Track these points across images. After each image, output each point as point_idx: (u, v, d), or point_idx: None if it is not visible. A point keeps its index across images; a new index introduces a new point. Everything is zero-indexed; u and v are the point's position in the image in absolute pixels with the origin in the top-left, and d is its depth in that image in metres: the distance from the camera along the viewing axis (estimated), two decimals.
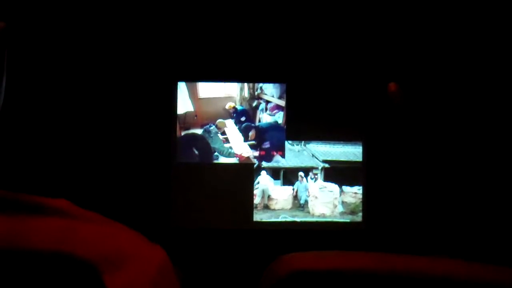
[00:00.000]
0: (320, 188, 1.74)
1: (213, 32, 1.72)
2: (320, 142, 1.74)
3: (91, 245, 0.58)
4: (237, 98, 1.73)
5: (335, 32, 1.73)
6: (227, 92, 1.73)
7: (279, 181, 1.74)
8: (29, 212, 0.60)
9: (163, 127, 1.71)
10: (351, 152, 1.74)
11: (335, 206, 1.73)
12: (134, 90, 1.70)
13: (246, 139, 1.73)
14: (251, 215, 1.73)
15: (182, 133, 1.73)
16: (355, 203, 1.73)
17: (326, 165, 1.74)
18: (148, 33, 1.70)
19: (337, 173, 1.74)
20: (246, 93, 1.74)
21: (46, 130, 1.61)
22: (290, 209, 1.73)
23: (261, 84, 1.74)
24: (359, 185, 1.73)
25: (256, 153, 1.73)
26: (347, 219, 1.73)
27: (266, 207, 1.73)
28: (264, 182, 1.74)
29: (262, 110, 1.74)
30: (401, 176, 1.68)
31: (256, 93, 1.74)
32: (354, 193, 1.73)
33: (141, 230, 0.68)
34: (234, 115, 1.73)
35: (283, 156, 1.74)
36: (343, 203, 1.73)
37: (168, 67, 1.72)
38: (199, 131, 1.73)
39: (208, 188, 1.73)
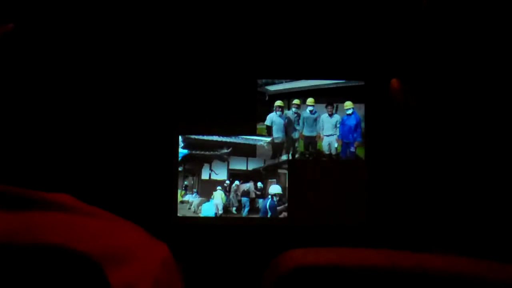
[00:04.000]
0: None
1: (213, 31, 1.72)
2: None
3: (94, 240, 0.58)
4: None
5: (335, 29, 1.72)
6: None
7: None
8: (32, 207, 0.60)
9: (167, 124, 1.72)
10: None
11: None
12: (137, 88, 1.70)
13: None
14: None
15: None
16: None
17: None
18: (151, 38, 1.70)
19: None
20: None
21: (52, 127, 1.61)
22: None
23: None
24: None
25: None
26: None
27: None
28: None
29: None
30: (402, 174, 1.68)
31: None
32: None
33: (144, 226, 0.68)
34: None
35: None
36: None
37: (168, 67, 1.72)
38: None
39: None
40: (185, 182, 1.73)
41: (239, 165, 1.74)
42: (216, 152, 1.74)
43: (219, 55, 1.73)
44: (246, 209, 1.72)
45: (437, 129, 0.57)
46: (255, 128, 1.74)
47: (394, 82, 0.62)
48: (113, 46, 1.68)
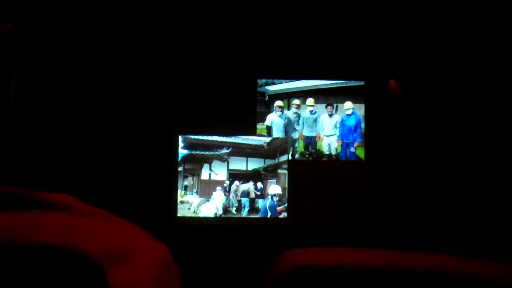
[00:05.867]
0: None
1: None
2: None
3: (95, 240, 0.58)
4: None
5: (335, 29, 1.73)
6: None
7: None
8: (33, 207, 0.60)
9: (167, 124, 1.72)
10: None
11: None
12: (137, 88, 1.70)
13: None
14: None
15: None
16: None
17: None
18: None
19: None
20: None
21: (51, 127, 1.61)
22: None
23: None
24: None
25: None
26: None
27: None
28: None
29: None
30: (402, 174, 1.68)
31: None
32: None
33: (144, 226, 0.68)
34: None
35: None
36: None
37: (169, 71, 1.72)
38: None
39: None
40: (185, 182, 1.73)
41: (239, 165, 1.74)
42: (216, 152, 1.74)
43: (219, 55, 1.73)
44: (246, 209, 1.72)
45: (436, 129, 0.57)
46: (255, 128, 1.74)
47: (393, 83, 0.62)
48: (113, 47, 1.68)
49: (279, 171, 1.74)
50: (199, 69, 1.73)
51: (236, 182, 1.73)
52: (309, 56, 1.73)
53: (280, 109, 1.74)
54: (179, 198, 1.72)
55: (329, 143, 1.74)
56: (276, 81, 1.75)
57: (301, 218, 1.73)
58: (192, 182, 1.74)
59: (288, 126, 1.74)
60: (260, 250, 1.71)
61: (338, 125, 1.74)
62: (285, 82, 1.75)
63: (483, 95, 0.53)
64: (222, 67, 1.73)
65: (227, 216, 1.72)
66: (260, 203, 1.72)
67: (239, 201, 1.73)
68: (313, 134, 1.74)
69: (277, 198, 1.72)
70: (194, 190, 1.73)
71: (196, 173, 1.74)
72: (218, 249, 1.72)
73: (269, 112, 1.75)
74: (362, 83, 1.73)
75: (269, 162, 1.74)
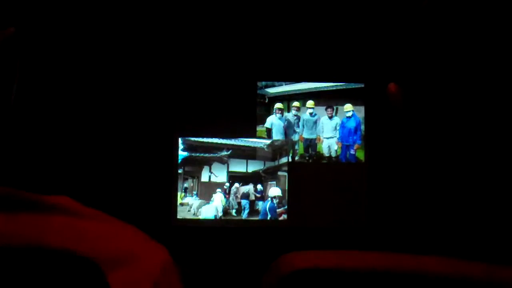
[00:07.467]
0: None
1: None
2: None
3: (94, 243, 0.58)
4: None
5: (335, 31, 1.73)
6: None
7: None
8: (33, 210, 0.60)
9: (167, 126, 1.72)
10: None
11: None
12: (138, 90, 1.71)
13: None
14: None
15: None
16: None
17: None
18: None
19: None
20: None
21: (51, 129, 1.61)
22: None
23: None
24: None
25: None
26: None
27: None
28: None
29: None
30: (402, 176, 1.68)
31: None
32: None
33: (144, 228, 0.68)
34: None
35: None
36: None
37: (170, 75, 1.72)
38: None
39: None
40: (185, 185, 1.73)
41: (239, 167, 1.74)
42: (216, 155, 1.74)
43: (219, 57, 1.73)
44: (246, 211, 1.72)
45: (436, 132, 0.57)
46: (255, 131, 1.74)
47: (392, 86, 0.62)
48: (114, 50, 1.69)
49: (279, 173, 1.74)
50: (199, 71, 1.73)
51: (236, 184, 1.73)
52: (309, 58, 1.74)
53: (280, 111, 1.74)
54: (179, 200, 1.72)
55: (329, 145, 1.74)
56: (276, 83, 1.75)
57: (301, 220, 1.73)
58: (192, 184, 1.74)
59: (288, 128, 1.74)
60: (260, 252, 1.71)
61: (338, 127, 1.74)
62: (285, 84, 1.75)
63: (484, 98, 0.53)
64: (222, 70, 1.73)
65: (227, 218, 1.72)
66: (260, 205, 1.72)
67: (239, 203, 1.73)
68: (313, 136, 1.74)
69: (277, 200, 1.72)
70: (194, 192, 1.73)
71: (196, 175, 1.74)
72: (218, 251, 1.72)
73: (269, 114, 1.75)
74: (362, 85, 1.73)
75: (269, 164, 1.74)
